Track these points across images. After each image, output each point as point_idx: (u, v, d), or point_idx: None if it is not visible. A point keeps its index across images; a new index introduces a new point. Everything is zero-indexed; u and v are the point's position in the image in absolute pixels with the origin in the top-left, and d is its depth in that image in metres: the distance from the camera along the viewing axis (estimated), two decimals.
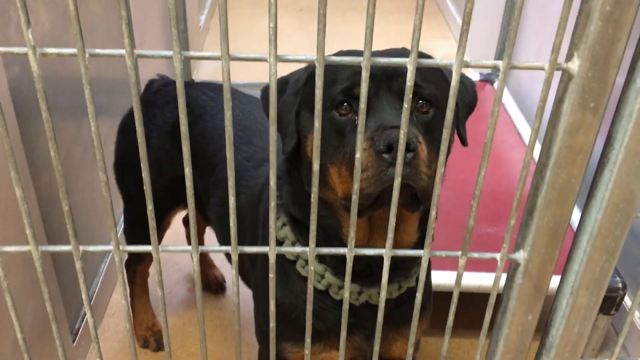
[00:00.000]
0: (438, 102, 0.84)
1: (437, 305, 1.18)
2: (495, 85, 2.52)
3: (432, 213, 0.54)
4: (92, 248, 0.56)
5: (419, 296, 0.59)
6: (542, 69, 0.46)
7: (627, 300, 1.69)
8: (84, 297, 0.58)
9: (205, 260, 1.81)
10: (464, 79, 0.94)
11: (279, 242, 1.01)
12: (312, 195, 0.54)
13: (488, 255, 0.55)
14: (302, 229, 0.95)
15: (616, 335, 1.77)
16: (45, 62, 1.36)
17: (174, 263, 1.88)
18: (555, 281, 0.56)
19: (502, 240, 0.53)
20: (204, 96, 1.30)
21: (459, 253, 0.55)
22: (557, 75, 0.47)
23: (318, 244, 0.95)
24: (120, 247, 0.56)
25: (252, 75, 2.90)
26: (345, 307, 0.60)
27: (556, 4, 2.24)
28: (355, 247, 0.60)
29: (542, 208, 0.52)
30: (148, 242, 1.53)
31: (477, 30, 3.10)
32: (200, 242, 1.80)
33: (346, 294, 0.59)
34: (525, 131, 2.18)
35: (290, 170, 0.94)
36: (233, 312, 0.61)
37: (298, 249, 0.59)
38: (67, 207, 0.52)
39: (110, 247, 0.57)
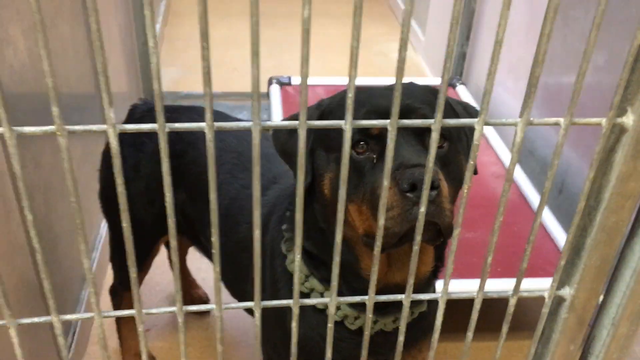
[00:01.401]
0: (451, 135, 0.86)
1: (455, 308, 1.21)
2: (458, 89, 2.58)
3: (451, 259, 0.56)
4: (72, 317, 0.56)
5: (436, 334, 0.61)
6: (599, 124, 0.48)
7: None
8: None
9: (187, 280, 1.80)
10: (470, 109, 0.96)
11: (290, 274, 1.01)
12: (336, 242, 0.56)
13: (537, 293, 0.58)
14: (316, 262, 0.96)
15: None
16: (21, 80, 1.32)
17: (155, 284, 1.85)
18: None
19: (481, 245, 0.55)
20: (197, 120, 1.29)
21: (475, 294, 0.58)
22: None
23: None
24: (103, 313, 0.56)
25: (225, 85, 2.88)
26: (365, 344, 0.61)
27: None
28: (368, 279, 0.62)
29: (591, 249, 0.54)
30: (138, 267, 1.48)
31: (436, 38, 3.16)
32: (183, 262, 1.78)
33: (365, 340, 0.60)
34: (492, 136, 2.24)
35: (305, 205, 0.95)
36: (226, 338, 0.62)
37: (324, 300, 0.61)
38: (48, 284, 0.52)
39: (91, 314, 0.56)
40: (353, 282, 0.95)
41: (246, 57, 1.97)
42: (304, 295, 1.00)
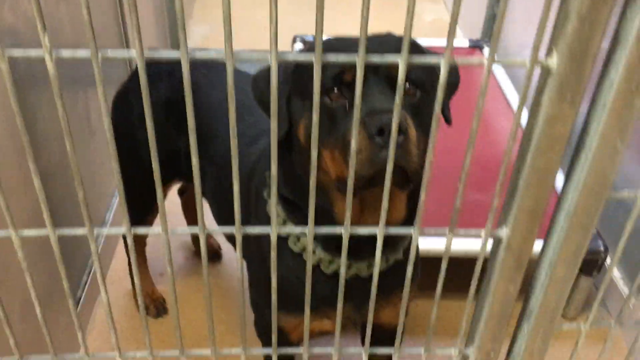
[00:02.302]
0: (424, 85, 0.87)
1: (427, 270, 1.24)
2: (485, 51, 2.55)
3: (422, 195, 0.58)
4: (105, 230, 0.60)
5: (409, 270, 0.63)
6: (524, 65, 0.49)
7: (609, 263, 1.76)
8: (98, 276, 0.62)
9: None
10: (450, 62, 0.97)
11: (270, 220, 1.05)
12: (311, 181, 0.58)
13: (473, 232, 0.60)
14: (293, 208, 1.00)
15: (595, 289, 1.85)
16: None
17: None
18: (537, 245, 0.60)
19: (488, 208, 0.57)
20: (197, 72, 1.32)
21: (447, 230, 0.60)
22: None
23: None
24: (132, 230, 0.60)
25: (254, 44, 2.90)
26: (342, 282, 0.64)
27: None
28: (343, 223, 0.64)
29: (524, 189, 0.56)
30: (145, 215, 1.56)
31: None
32: (193, 211, 1.84)
33: (343, 269, 0.63)
34: (513, 98, 2.22)
35: (282, 153, 0.98)
36: (234, 285, 0.65)
37: (298, 229, 0.63)
38: (82, 194, 0.56)
39: (122, 229, 0.61)
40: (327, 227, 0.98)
41: (266, 15, 2.00)
42: (282, 239, 1.04)
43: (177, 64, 1.37)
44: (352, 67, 0.83)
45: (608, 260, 1.64)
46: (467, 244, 1.54)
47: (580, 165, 0.55)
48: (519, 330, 0.69)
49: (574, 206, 0.57)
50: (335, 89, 0.85)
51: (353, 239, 0.99)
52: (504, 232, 0.60)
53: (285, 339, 1.13)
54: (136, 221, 1.46)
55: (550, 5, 0.46)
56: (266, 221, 1.07)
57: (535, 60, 0.49)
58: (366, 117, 0.80)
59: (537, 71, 0.51)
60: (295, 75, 0.91)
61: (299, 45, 2.46)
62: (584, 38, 0.48)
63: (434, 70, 0.88)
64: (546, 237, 0.61)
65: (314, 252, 1.01)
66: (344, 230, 0.62)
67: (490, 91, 2.25)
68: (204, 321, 1.67)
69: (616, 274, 1.70)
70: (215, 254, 1.85)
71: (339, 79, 0.85)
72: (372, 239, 0.66)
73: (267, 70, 0.98)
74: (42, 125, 1.36)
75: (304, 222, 1.00)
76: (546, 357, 0.72)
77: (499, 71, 2.38)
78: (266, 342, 1.20)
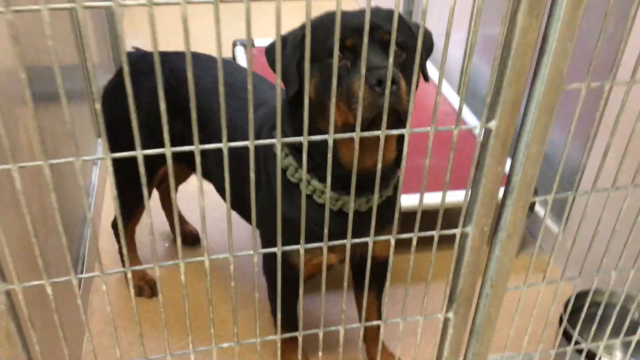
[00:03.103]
0: (408, 47, 1.10)
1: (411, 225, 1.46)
2: None
3: (406, 137, 0.80)
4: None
5: (399, 200, 0.85)
6: None
7: (538, 208, 2.06)
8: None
9: (180, 218, 2.01)
10: (426, 31, 1.21)
11: (284, 170, 1.24)
12: (330, 128, 0.78)
13: (472, 125, 0.82)
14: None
15: (531, 236, 2.14)
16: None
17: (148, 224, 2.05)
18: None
19: (434, 169, 0.79)
20: (185, 62, 1.50)
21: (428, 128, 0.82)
22: None
23: (318, 166, 1.20)
24: (128, 268, 0.78)
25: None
26: (350, 216, 0.85)
27: None
28: (346, 166, 0.83)
29: (506, 87, 0.79)
30: (137, 202, 1.72)
31: None
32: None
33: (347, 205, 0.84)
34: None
35: (292, 109, 1.18)
36: (217, 265, 0.84)
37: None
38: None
39: (123, 269, 0.78)
40: (333, 170, 1.18)
41: (207, 26, 2.18)
42: (294, 184, 1.24)
43: (168, 55, 1.54)
44: (352, 34, 1.04)
45: (537, 206, 1.92)
46: (453, 196, 1.81)
47: (544, 64, 0.78)
48: (504, 207, 0.92)
49: (541, 96, 0.80)
50: (339, 52, 1.06)
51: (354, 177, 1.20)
52: (492, 124, 0.82)
53: (294, 275, 1.31)
54: (126, 209, 1.61)
55: None
56: (275, 172, 1.26)
57: None
58: (367, 73, 1.02)
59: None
60: (305, 43, 1.12)
61: (240, 49, 2.66)
62: None
63: (414, 35, 1.12)
64: (522, 123, 0.84)
65: (323, 192, 1.21)
66: (329, 137, 0.83)
67: None
68: (182, 303, 1.82)
69: (542, 211, 2.00)
70: (195, 239, 2.00)
71: (342, 44, 1.06)
72: (370, 177, 0.87)
73: (281, 41, 1.18)
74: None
75: (314, 168, 1.20)
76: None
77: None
78: (274, 280, 1.38)
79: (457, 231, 0.94)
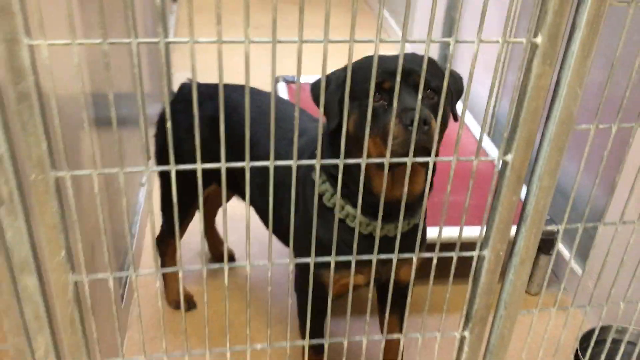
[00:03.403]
0: (440, 90, 1.22)
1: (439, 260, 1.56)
2: None
3: (430, 167, 0.91)
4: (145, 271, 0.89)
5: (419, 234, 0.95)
6: (522, 42, 0.83)
7: (561, 247, 2.12)
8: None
9: (216, 238, 2.13)
10: (454, 74, 1.33)
11: (320, 195, 1.35)
12: (362, 166, 0.89)
13: (490, 158, 0.92)
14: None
15: (556, 278, 2.20)
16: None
17: (189, 243, 2.18)
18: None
19: (460, 204, 0.90)
20: (234, 94, 1.63)
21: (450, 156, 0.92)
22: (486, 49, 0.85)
23: (352, 194, 1.31)
24: (158, 269, 0.89)
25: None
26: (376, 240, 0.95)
27: None
28: (379, 193, 0.94)
29: (522, 125, 0.89)
30: (181, 216, 1.82)
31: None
32: (212, 223, 2.11)
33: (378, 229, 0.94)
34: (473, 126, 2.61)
35: (332, 140, 1.30)
36: (250, 283, 0.95)
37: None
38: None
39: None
40: (366, 198, 1.29)
41: (252, 61, 2.34)
42: (329, 209, 1.35)
43: (216, 87, 1.68)
44: (389, 77, 1.16)
45: (560, 244, 1.99)
46: (470, 232, 1.89)
47: (556, 106, 0.89)
48: (518, 234, 1.01)
49: (553, 134, 0.90)
50: (377, 93, 1.18)
51: (385, 205, 1.31)
52: (509, 157, 0.93)
53: (323, 294, 1.41)
54: (172, 224, 1.74)
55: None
56: (312, 198, 1.37)
57: (530, 39, 0.83)
58: (401, 113, 1.13)
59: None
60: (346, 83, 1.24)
61: (282, 84, 2.81)
62: (557, 25, 0.82)
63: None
64: (536, 158, 0.94)
65: (355, 216, 1.31)
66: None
67: None
68: (222, 314, 1.93)
69: (567, 254, 2.06)
70: (230, 258, 2.11)
71: (379, 87, 1.18)
72: (398, 205, 0.98)
73: (325, 80, 1.31)
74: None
75: (348, 195, 1.31)
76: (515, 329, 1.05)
77: None
78: (304, 297, 1.47)
79: (474, 253, 1.03)
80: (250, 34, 0.76)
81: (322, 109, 0.85)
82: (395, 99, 0.87)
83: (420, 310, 2.02)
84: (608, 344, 1.32)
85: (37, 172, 0.81)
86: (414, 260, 1.03)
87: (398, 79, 0.82)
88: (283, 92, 2.76)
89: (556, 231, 1.91)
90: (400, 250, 1.41)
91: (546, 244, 1.93)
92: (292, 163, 0.88)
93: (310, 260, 1.01)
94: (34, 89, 0.74)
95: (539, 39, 0.83)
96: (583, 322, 1.53)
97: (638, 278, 1.13)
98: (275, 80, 2.85)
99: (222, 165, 0.87)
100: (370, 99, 0.78)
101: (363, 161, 0.89)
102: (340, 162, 0.90)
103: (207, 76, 1.40)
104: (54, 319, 0.96)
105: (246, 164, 0.87)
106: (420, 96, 0.84)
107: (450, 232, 1.89)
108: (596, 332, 1.46)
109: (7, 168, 0.80)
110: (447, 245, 1.33)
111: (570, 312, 1.12)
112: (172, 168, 0.86)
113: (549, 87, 0.87)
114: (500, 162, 0.93)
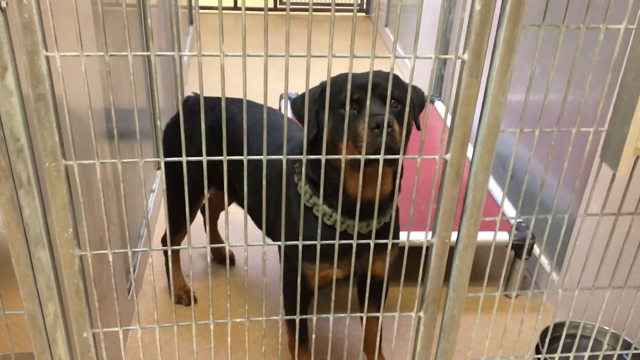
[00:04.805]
0: (403, 101, 1.39)
1: (411, 258, 1.71)
2: (435, 104, 3.12)
3: (398, 171, 1.07)
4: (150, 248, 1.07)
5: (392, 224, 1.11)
6: (451, 58, 1.00)
7: (536, 249, 2.26)
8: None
9: (217, 239, 2.30)
10: (417, 89, 1.50)
11: (299, 195, 1.52)
12: (342, 172, 1.06)
13: (431, 157, 1.09)
14: (318, 186, 1.48)
15: (536, 286, 2.33)
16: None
17: (194, 243, 2.36)
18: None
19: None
20: (232, 106, 1.82)
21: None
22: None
23: (328, 195, 1.48)
24: (170, 247, 1.07)
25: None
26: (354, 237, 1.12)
27: None
28: (352, 195, 1.11)
29: (456, 128, 1.06)
30: (183, 219, 2.02)
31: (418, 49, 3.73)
32: (215, 225, 2.28)
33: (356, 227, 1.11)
34: None
35: (310, 148, 1.47)
36: (249, 282, 1.12)
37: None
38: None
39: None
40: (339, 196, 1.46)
41: (257, 78, 2.53)
42: (308, 208, 1.51)
43: (217, 101, 1.87)
44: (359, 90, 1.34)
45: (535, 248, 2.14)
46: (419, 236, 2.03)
47: (485, 112, 1.05)
48: (461, 223, 1.17)
49: (483, 137, 1.06)
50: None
51: (360, 205, 1.47)
52: (448, 156, 1.09)
53: (306, 285, 1.57)
54: (177, 225, 1.92)
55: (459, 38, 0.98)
56: (295, 198, 1.54)
57: (457, 56, 1.00)
58: (369, 118, 1.30)
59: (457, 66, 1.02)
60: (322, 97, 1.42)
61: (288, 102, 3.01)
62: (479, 44, 0.99)
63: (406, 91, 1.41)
64: (472, 159, 1.11)
65: (331, 216, 1.48)
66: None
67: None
68: (224, 310, 2.09)
69: (544, 260, 2.20)
70: (232, 261, 2.28)
71: (351, 97, 1.35)
72: (370, 205, 1.14)
73: (302, 96, 1.48)
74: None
75: (325, 196, 1.48)
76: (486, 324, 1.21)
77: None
78: (290, 288, 1.64)
79: (423, 240, 1.19)
80: (261, 51, 0.94)
81: (307, 120, 1.03)
82: (367, 108, 1.03)
83: (389, 303, 2.16)
84: (562, 339, 1.46)
85: (51, 160, 0.99)
86: (388, 254, 1.18)
87: (369, 93, 0.99)
88: (289, 108, 2.95)
89: (531, 237, 2.05)
90: (375, 250, 1.58)
91: (520, 250, 2.07)
92: (282, 157, 1.04)
93: (281, 243, 1.17)
94: (49, 91, 0.93)
95: (465, 56, 1.00)
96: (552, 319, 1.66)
97: (604, 270, 1.27)
98: (280, 98, 3.05)
99: (224, 158, 1.03)
100: (347, 109, 0.95)
101: (343, 157, 1.05)
102: (322, 157, 1.07)
103: (218, 90, 1.58)
104: (63, 289, 1.13)
105: (244, 158, 1.03)
106: (388, 103, 1.01)
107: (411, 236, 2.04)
108: (550, 328, 1.60)
109: (27, 156, 0.98)
110: (414, 250, 1.49)
111: (544, 310, 1.26)
112: (204, 159, 1.02)
113: (477, 97, 1.03)
114: (441, 158, 1.09)
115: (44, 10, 0.88)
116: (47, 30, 0.89)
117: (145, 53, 0.95)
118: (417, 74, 3.93)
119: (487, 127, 1.06)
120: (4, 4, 0.87)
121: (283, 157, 1.07)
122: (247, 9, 4.82)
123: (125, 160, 1.05)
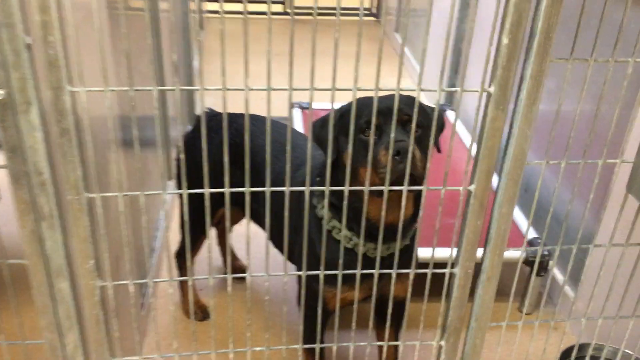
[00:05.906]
0: (423, 125, 1.37)
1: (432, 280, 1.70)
2: (446, 113, 3.11)
3: (424, 192, 1.06)
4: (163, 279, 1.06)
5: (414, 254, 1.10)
6: (477, 91, 0.99)
7: (556, 272, 2.24)
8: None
9: (232, 255, 2.29)
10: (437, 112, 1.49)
11: (318, 218, 1.51)
12: (365, 199, 1.05)
13: (455, 188, 1.08)
14: (337, 209, 1.46)
15: (548, 297, 2.32)
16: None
17: (205, 258, 2.35)
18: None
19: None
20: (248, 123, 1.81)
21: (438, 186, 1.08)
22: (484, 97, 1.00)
23: (348, 218, 1.47)
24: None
25: (253, 111, 3.41)
26: (378, 261, 1.11)
27: None
28: (372, 219, 1.10)
29: (481, 160, 1.04)
30: (200, 233, 2.03)
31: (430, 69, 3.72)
32: (224, 239, 2.28)
33: (373, 252, 1.10)
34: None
35: (331, 172, 1.45)
36: (259, 296, 1.10)
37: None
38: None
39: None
40: (361, 222, 1.45)
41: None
42: (328, 231, 1.50)
43: (236, 116, 1.86)
44: (378, 115, 1.32)
45: (551, 263, 2.12)
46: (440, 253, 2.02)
47: (511, 145, 1.04)
48: (485, 254, 1.16)
49: (509, 169, 1.05)
50: (367, 129, 1.34)
51: (376, 229, 1.46)
52: (472, 187, 1.08)
53: (325, 307, 1.56)
54: (191, 240, 1.91)
55: (488, 65, 0.96)
56: (314, 221, 1.53)
57: (483, 88, 0.99)
58: (388, 145, 1.29)
59: (483, 98, 1.01)
60: (341, 122, 1.41)
61: (297, 110, 2.99)
62: (506, 77, 0.98)
63: (428, 116, 1.39)
64: (496, 190, 1.09)
65: (351, 239, 1.47)
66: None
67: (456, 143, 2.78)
68: (235, 322, 2.09)
69: (560, 277, 2.18)
70: (242, 271, 2.28)
71: (370, 123, 1.34)
72: (391, 229, 1.12)
73: (321, 120, 1.47)
74: None
75: (346, 219, 1.47)
76: (508, 346, 1.20)
77: (460, 127, 2.93)
78: (307, 311, 1.62)
79: (446, 271, 1.18)
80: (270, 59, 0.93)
81: (330, 147, 1.03)
82: (392, 134, 1.02)
83: (412, 326, 2.15)
84: None
85: (73, 193, 0.98)
86: (410, 277, 1.17)
87: (394, 120, 0.97)
88: (297, 117, 2.94)
89: (547, 254, 2.03)
90: (391, 269, 1.56)
91: (539, 266, 2.06)
92: (306, 189, 1.04)
93: (302, 273, 1.16)
94: (73, 126, 0.92)
95: (492, 89, 0.98)
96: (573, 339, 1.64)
97: (628, 298, 1.26)
98: (291, 106, 3.03)
99: (247, 190, 1.02)
100: (372, 137, 0.95)
101: (366, 189, 1.04)
102: (345, 189, 1.06)
103: (230, 104, 1.57)
104: (83, 319, 1.12)
105: (267, 190, 1.02)
106: (413, 130, 1.01)
107: (427, 253, 2.02)
108: (575, 349, 1.58)
109: (49, 190, 0.97)
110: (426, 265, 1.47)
111: (565, 332, 1.25)
112: (206, 184, 1.02)
113: (503, 129, 1.02)
114: (465, 189, 1.08)
115: (68, 47, 0.88)
116: (71, 66, 0.89)
117: (171, 88, 0.94)
118: (425, 83, 3.91)
119: (512, 159, 1.04)
120: (29, 41, 0.86)
121: (306, 189, 1.06)
122: (253, 12, 4.81)
123: (147, 193, 1.04)
